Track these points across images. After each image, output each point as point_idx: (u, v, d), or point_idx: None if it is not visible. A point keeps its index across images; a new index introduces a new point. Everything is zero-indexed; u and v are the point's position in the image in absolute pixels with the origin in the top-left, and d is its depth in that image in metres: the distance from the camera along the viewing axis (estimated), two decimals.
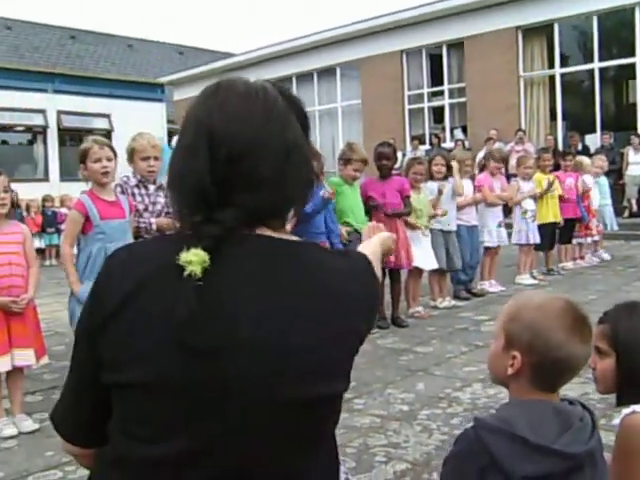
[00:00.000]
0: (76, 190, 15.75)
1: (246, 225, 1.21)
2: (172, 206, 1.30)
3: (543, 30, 16.92)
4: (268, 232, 1.25)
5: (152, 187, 4.86)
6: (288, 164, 1.23)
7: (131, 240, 4.44)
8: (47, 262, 14.27)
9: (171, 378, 1.15)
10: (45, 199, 15.17)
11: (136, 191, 4.77)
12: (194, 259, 1.12)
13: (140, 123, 16.41)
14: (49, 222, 14.69)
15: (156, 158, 4.73)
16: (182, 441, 1.15)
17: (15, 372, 4.13)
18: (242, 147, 1.19)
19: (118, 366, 1.19)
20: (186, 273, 1.12)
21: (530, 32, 17.06)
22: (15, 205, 4.24)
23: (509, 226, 8.88)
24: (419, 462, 3.39)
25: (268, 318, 1.16)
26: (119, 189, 4.70)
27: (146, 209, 4.79)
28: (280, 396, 1.16)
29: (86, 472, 3.45)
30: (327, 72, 21.40)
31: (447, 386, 4.59)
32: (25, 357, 4.07)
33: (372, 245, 1.81)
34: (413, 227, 6.78)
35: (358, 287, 1.26)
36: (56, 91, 18.48)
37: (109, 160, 4.40)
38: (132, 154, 4.77)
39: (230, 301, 1.16)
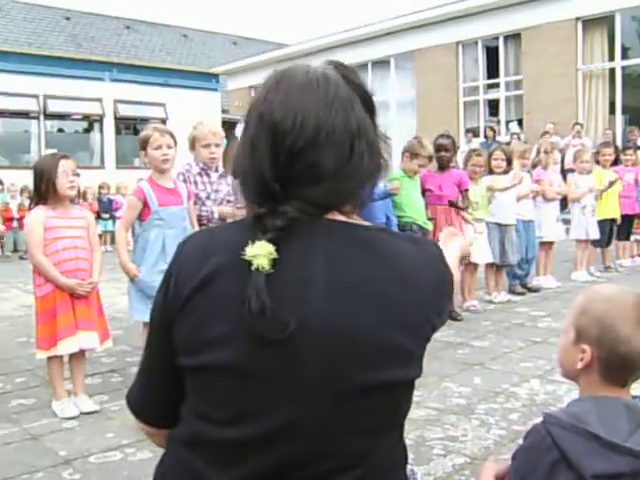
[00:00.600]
0: (131, 177, 16.04)
1: (313, 213, 1.21)
2: (241, 197, 1.31)
3: (604, 21, 16.56)
4: (339, 217, 1.25)
5: (214, 175, 4.85)
6: (353, 152, 1.21)
7: (189, 227, 4.48)
8: (102, 248, 14.53)
9: (244, 364, 1.16)
10: (101, 186, 15.46)
11: (198, 179, 4.77)
12: (260, 252, 1.13)
13: (195, 112, 16.58)
14: (104, 208, 14.98)
15: (217, 145, 4.74)
16: (255, 425, 1.17)
17: (78, 354, 4.22)
18: (304, 141, 1.18)
19: (193, 350, 1.21)
20: (254, 267, 1.13)
21: (590, 23, 16.70)
22: (79, 190, 4.31)
23: (566, 221, 8.73)
24: (478, 456, 3.36)
25: (338, 304, 1.16)
26: (181, 177, 4.72)
27: (208, 197, 4.79)
28: (351, 382, 1.16)
29: (145, 456, 3.52)
30: (381, 63, 21.32)
31: (504, 381, 4.53)
32: (89, 340, 4.15)
33: (450, 250, 1.80)
34: (467, 222, 6.71)
35: (429, 273, 1.26)
36: (113, 80, 18.78)
37: (169, 147, 4.41)
38: (193, 142, 4.78)
39: (300, 289, 1.17)
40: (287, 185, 1.19)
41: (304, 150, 1.18)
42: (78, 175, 4.18)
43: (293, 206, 1.17)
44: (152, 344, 1.35)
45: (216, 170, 4.88)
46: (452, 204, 6.47)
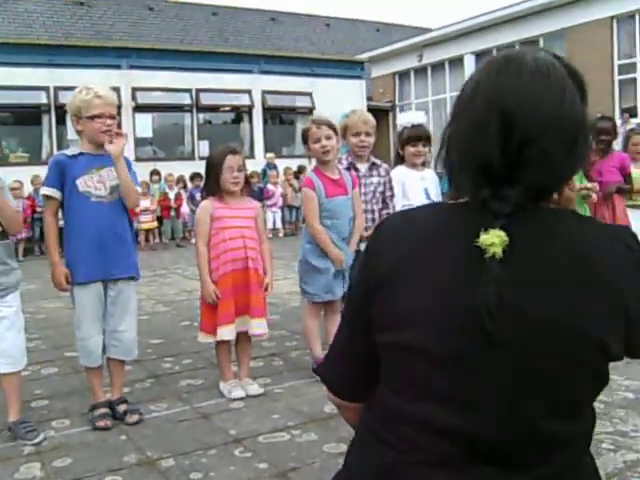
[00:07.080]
0: (281, 166, 16.34)
1: (532, 200, 1.19)
2: (450, 175, 1.28)
3: None
4: (545, 206, 1.23)
5: (363, 167, 4.84)
6: (576, 142, 1.19)
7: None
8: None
9: (440, 347, 1.15)
10: (251, 175, 15.89)
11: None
12: (496, 241, 1.11)
13: (340, 100, 16.74)
14: (256, 197, 15.40)
15: (368, 134, 4.74)
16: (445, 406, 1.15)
17: (244, 339, 4.41)
18: (537, 129, 1.16)
19: (388, 328, 1.22)
20: (488, 255, 1.11)
21: None
22: (249, 182, 4.46)
23: None
24: None
25: (561, 302, 1.13)
26: None
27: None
28: (553, 364, 1.12)
29: (311, 438, 3.60)
30: (530, 44, 20.61)
31: None
32: (259, 326, 4.34)
33: None
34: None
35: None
36: (261, 72, 19.26)
37: (328, 138, 4.43)
38: (345, 130, 4.79)
39: (527, 283, 1.14)
40: (511, 170, 1.17)
41: (534, 139, 1.16)
42: (241, 170, 4.31)
43: (516, 191, 1.16)
44: (349, 317, 1.38)
45: (367, 160, 4.88)
46: (618, 190, 6.22)
